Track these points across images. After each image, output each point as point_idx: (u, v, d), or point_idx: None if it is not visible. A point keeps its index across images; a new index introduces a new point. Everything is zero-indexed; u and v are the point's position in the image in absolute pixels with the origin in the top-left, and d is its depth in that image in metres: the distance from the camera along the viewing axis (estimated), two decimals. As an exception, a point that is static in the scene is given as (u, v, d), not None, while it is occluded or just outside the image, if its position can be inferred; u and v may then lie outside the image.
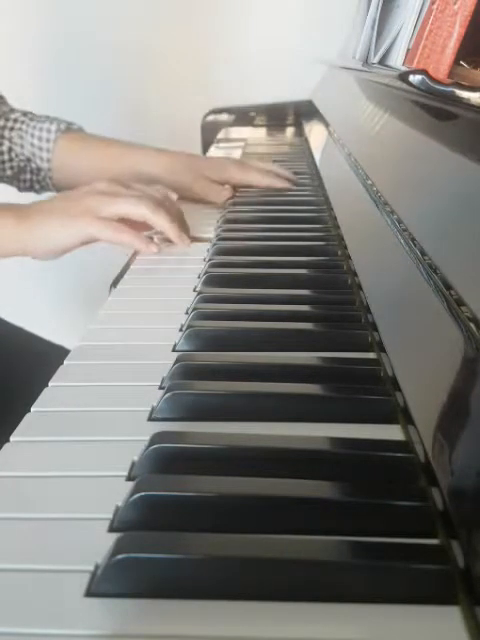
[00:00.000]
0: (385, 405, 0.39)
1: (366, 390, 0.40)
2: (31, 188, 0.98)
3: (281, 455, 0.34)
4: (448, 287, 0.37)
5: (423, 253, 0.42)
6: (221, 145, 1.38)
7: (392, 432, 0.37)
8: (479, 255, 0.35)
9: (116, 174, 0.87)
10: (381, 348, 0.44)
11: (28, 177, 0.96)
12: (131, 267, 0.68)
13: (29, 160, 0.94)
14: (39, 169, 0.94)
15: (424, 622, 0.25)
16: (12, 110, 0.96)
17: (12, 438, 0.38)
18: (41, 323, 1.10)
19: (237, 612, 0.26)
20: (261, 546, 0.28)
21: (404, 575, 0.27)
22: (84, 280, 1.69)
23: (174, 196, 0.75)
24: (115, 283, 0.64)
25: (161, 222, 0.69)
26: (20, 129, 0.93)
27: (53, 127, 0.92)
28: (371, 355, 0.45)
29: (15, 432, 0.38)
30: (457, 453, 0.29)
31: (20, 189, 0.98)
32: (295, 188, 0.93)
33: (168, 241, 0.71)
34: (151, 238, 0.70)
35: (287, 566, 0.27)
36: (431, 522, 0.29)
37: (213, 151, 1.33)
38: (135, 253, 0.72)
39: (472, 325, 0.32)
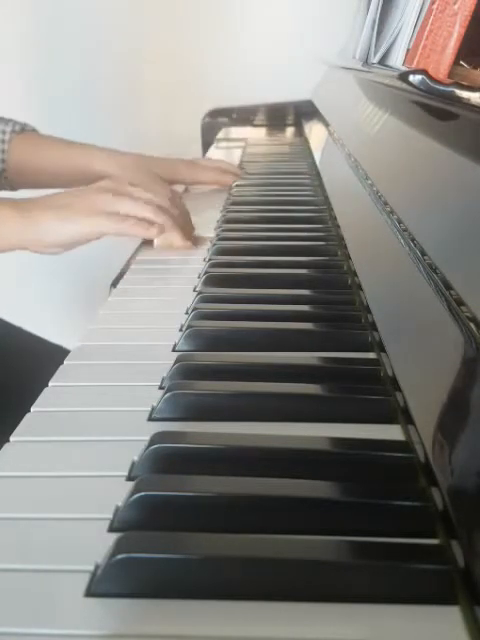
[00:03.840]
0: (385, 405, 0.38)
1: (366, 390, 0.40)
2: None
3: (281, 455, 0.34)
4: (448, 287, 0.37)
5: (423, 253, 0.42)
6: (221, 145, 1.38)
7: (392, 432, 0.37)
8: (479, 255, 0.35)
9: (70, 173, 0.92)
10: (381, 348, 0.44)
11: None
12: (131, 267, 0.68)
13: None
14: None
15: (424, 622, 0.25)
16: None
17: (12, 438, 0.38)
18: (41, 323, 1.09)
19: (237, 612, 0.26)
20: (261, 546, 0.28)
21: (404, 575, 0.27)
22: (84, 280, 1.69)
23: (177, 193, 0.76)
24: (115, 283, 0.64)
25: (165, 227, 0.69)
26: None
27: (8, 128, 0.94)
28: (371, 355, 0.45)
29: (15, 432, 0.38)
30: (457, 453, 0.29)
31: None
32: (295, 188, 0.93)
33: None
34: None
35: (287, 566, 0.27)
36: (431, 522, 0.29)
37: (213, 151, 1.33)
38: (135, 253, 0.72)
39: (472, 325, 0.32)
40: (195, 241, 0.73)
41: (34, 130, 0.98)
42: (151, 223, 0.69)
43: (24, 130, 0.96)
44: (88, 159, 0.92)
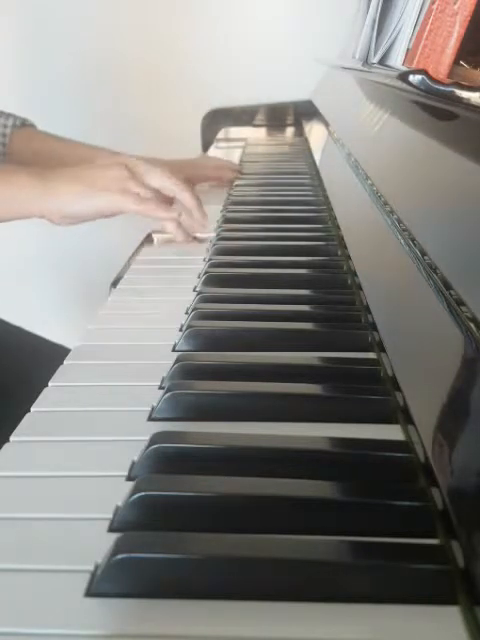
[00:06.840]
0: (385, 405, 0.38)
1: (366, 390, 0.40)
2: None
3: (281, 455, 0.34)
4: (448, 287, 0.37)
5: (423, 253, 0.42)
6: (221, 145, 1.38)
7: (392, 432, 0.37)
8: (479, 255, 0.35)
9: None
10: (381, 348, 0.44)
11: None
12: (131, 267, 0.68)
13: None
14: None
15: (424, 622, 0.25)
16: None
17: (12, 438, 0.38)
18: (41, 323, 1.09)
19: (237, 612, 0.26)
20: (261, 546, 0.28)
21: (404, 575, 0.27)
22: (84, 280, 1.69)
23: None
24: (115, 283, 0.64)
25: (189, 200, 0.72)
26: None
27: (8, 122, 0.97)
28: (371, 355, 0.45)
29: (15, 432, 0.38)
30: (457, 453, 0.29)
31: None
32: (295, 188, 0.93)
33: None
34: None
35: (287, 566, 0.27)
36: (431, 522, 0.29)
37: (213, 151, 1.33)
38: (135, 253, 0.72)
39: (472, 325, 0.32)
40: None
41: (33, 125, 1.00)
42: (170, 207, 0.70)
43: (24, 125, 0.98)
44: (93, 156, 0.93)
